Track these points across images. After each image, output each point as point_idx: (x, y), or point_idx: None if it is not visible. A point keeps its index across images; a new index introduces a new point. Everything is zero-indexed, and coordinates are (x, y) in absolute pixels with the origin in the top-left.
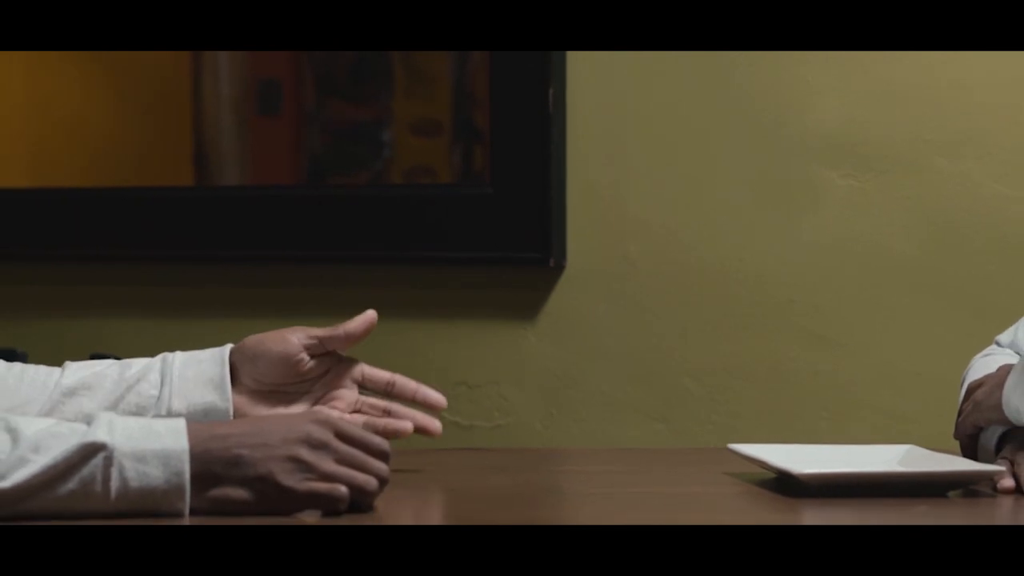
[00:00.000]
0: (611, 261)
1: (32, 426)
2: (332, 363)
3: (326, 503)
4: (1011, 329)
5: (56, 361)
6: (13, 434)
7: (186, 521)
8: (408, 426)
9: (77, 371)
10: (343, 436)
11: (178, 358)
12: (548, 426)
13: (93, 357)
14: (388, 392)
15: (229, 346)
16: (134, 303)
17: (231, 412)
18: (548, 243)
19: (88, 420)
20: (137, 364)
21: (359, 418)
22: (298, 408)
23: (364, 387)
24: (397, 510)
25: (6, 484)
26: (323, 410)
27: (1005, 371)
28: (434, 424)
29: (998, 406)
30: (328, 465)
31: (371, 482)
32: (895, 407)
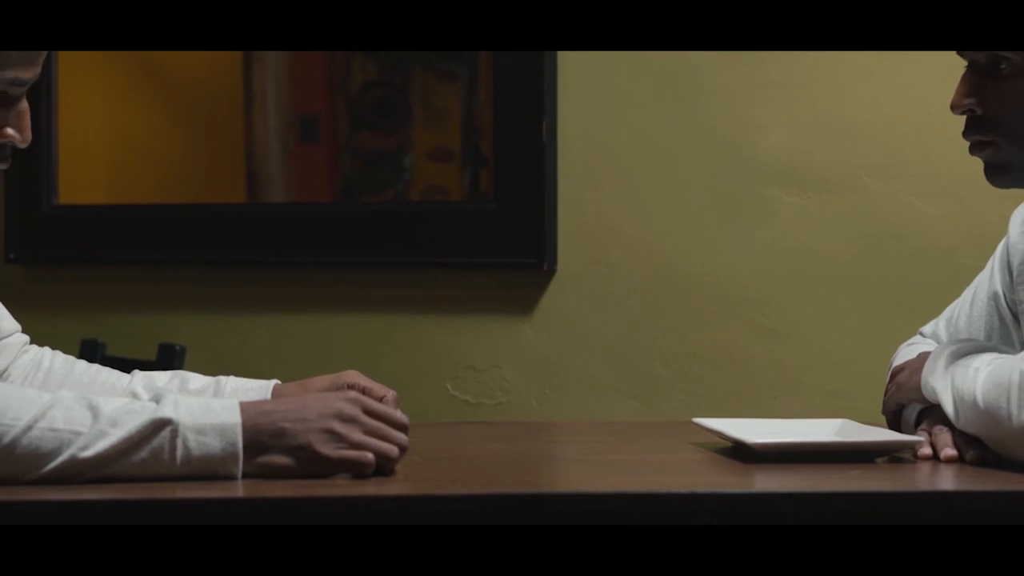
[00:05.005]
0: (595, 265)
1: (110, 404)
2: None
3: (355, 468)
4: (933, 322)
5: (131, 349)
6: (94, 411)
7: (239, 484)
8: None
9: (142, 380)
10: (369, 411)
11: (230, 384)
12: (542, 403)
13: (161, 347)
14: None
15: (275, 381)
16: (195, 301)
17: None
18: (542, 250)
19: (156, 399)
20: (195, 382)
21: (390, 393)
22: None
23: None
24: (415, 473)
25: (89, 453)
26: (352, 391)
27: (923, 358)
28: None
29: (917, 387)
30: (357, 436)
31: (393, 450)
32: (832, 387)
